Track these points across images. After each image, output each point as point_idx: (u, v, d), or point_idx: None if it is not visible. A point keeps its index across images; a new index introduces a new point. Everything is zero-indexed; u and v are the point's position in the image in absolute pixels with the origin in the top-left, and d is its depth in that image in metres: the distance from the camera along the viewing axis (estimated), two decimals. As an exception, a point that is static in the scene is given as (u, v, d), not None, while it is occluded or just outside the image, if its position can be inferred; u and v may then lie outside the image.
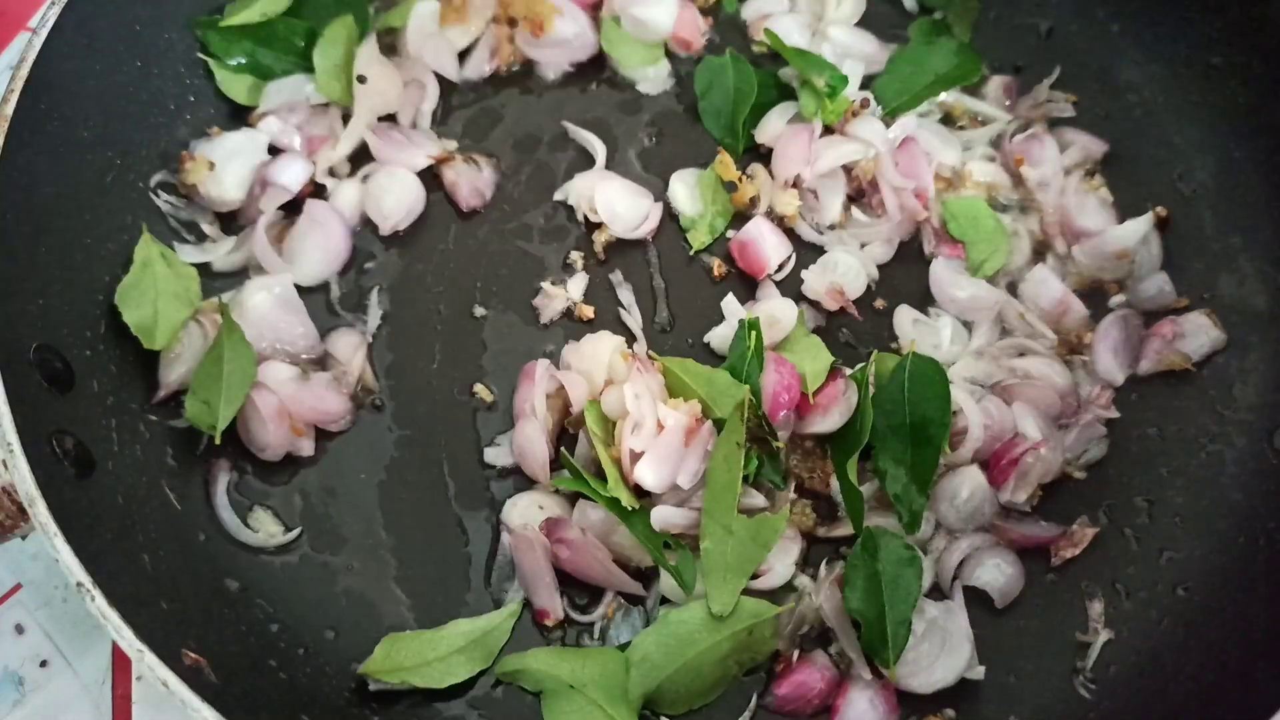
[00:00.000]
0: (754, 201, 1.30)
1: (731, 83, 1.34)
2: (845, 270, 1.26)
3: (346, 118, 1.33)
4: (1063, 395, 1.19)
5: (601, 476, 1.10)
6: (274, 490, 1.19)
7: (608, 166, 1.34)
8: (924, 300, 1.27)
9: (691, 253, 1.30)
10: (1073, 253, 1.27)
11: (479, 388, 1.23)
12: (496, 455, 1.20)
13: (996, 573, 1.12)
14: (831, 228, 1.29)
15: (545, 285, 1.28)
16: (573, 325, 1.27)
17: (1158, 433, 1.20)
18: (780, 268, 1.28)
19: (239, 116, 1.34)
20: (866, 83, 1.35)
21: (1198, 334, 1.22)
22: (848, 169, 1.29)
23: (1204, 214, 1.28)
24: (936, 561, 1.14)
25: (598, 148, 1.34)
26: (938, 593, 1.13)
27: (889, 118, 1.31)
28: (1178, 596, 1.12)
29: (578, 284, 1.28)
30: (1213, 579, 1.12)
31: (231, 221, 1.30)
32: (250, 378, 1.15)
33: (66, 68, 1.15)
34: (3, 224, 1.08)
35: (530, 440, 1.16)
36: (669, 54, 1.40)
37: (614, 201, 1.30)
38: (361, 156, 1.33)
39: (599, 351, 1.19)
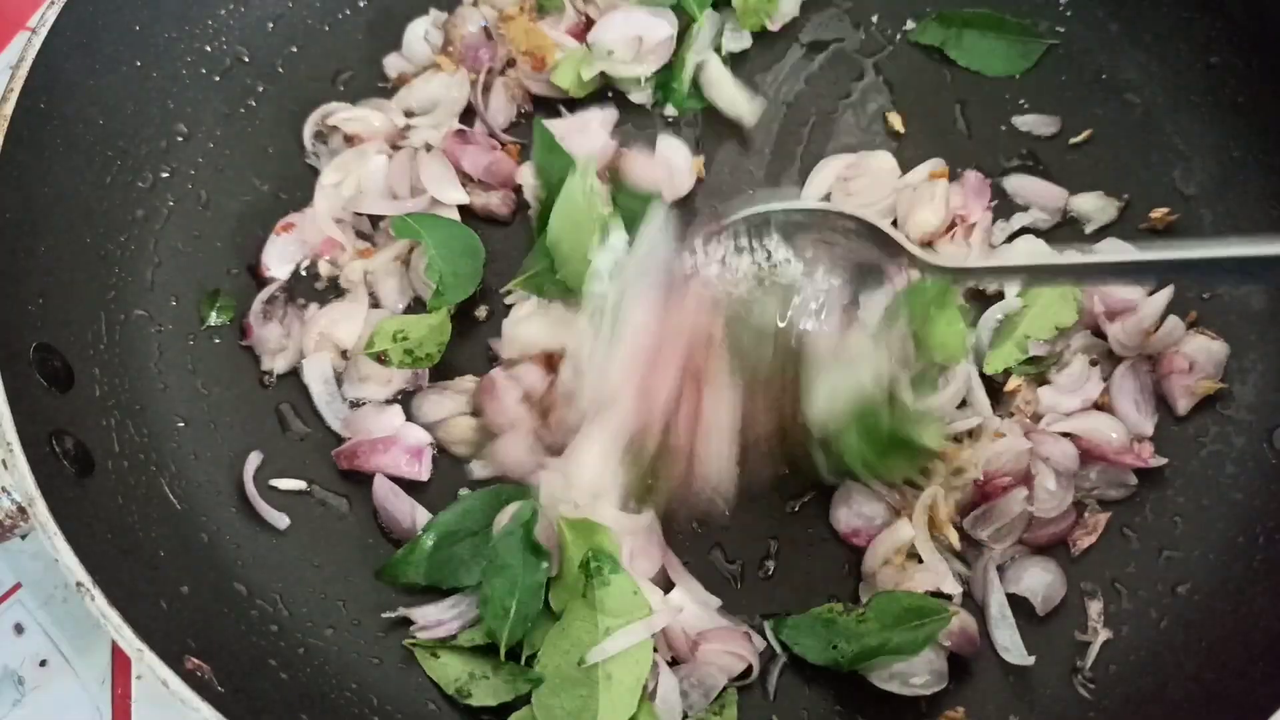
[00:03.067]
0: None
1: None
2: None
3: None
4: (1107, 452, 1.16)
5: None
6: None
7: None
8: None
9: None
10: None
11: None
12: (479, 468, 1.20)
13: (1039, 578, 1.11)
14: None
15: None
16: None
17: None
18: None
19: (238, 114, 1.34)
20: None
21: (1204, 355, 1.19)
22: None
23: (1204, 214, 1.28)
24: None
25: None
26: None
27: None
28: (1178, 596, 1.12)
29: None
30: (1213, 579, 1.11)
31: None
32: None
33: (66, 68, 1.15)
34: (3, 224, 1.08)
35: (514, 450, 1.16)
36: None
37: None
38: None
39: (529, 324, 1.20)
